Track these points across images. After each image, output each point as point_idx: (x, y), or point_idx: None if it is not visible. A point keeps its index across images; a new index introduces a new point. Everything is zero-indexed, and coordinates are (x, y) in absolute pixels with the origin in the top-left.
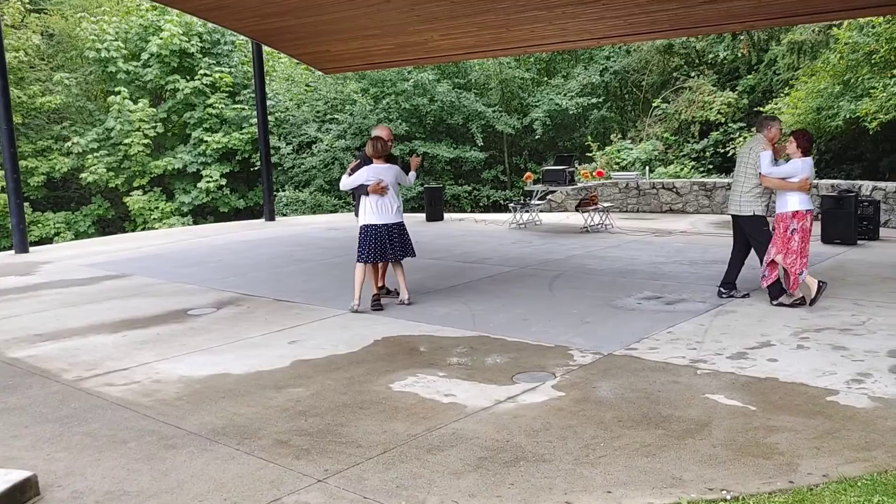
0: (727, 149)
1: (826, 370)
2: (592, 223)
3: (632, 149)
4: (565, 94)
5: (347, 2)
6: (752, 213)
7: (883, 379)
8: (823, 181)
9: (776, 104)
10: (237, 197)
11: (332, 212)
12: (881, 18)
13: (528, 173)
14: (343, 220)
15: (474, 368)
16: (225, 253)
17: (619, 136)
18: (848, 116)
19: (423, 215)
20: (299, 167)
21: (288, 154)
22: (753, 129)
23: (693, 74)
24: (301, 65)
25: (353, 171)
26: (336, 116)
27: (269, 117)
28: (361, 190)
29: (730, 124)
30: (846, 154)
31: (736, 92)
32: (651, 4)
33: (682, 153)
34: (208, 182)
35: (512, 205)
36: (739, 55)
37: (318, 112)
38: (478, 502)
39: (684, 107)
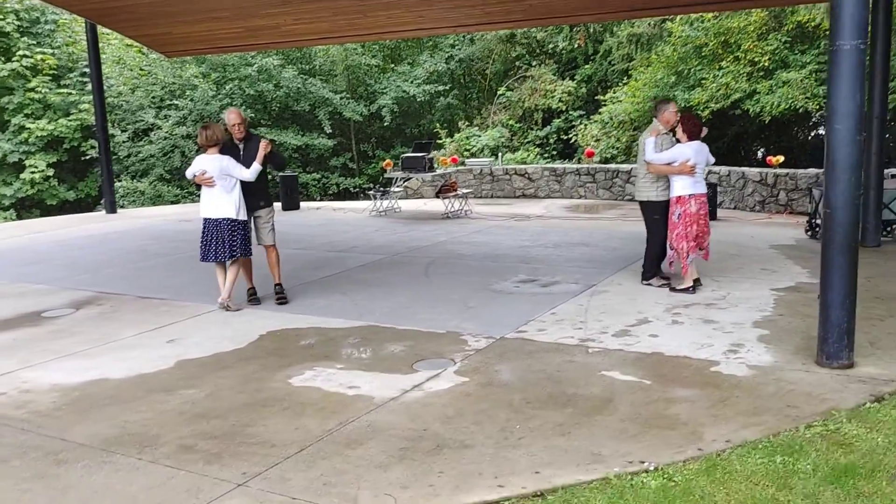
0: (570, 136)
1: (703, 343)
2: (453, 209)
3: (480, 136)
4: (412, 82)
5: None
6: (645, 199)
7: (755, 348)
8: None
9: (615, 93)
10: (66, 188)
11: (174, 202)
12: (711, 14)
13: (387, 160)
14: (193, 211)
15: (372, 359)
16: (69, 249)
17: (467, 123)
18: (683, 105)
19: (280, 204)
20: (136, 155)
21: (123, 142)
22: (592, 116)
23: (534, 64)
24: (134, 47)
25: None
26: (176, 102)
27: None
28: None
29: (570, 112)
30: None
31: (575, 81)
32: None
33: (526, 140)
34: (33, 173)
35: (372, 192)
36: (577, 46)
37: (154, 97)
38: (411, 494)
39: (527, 95)
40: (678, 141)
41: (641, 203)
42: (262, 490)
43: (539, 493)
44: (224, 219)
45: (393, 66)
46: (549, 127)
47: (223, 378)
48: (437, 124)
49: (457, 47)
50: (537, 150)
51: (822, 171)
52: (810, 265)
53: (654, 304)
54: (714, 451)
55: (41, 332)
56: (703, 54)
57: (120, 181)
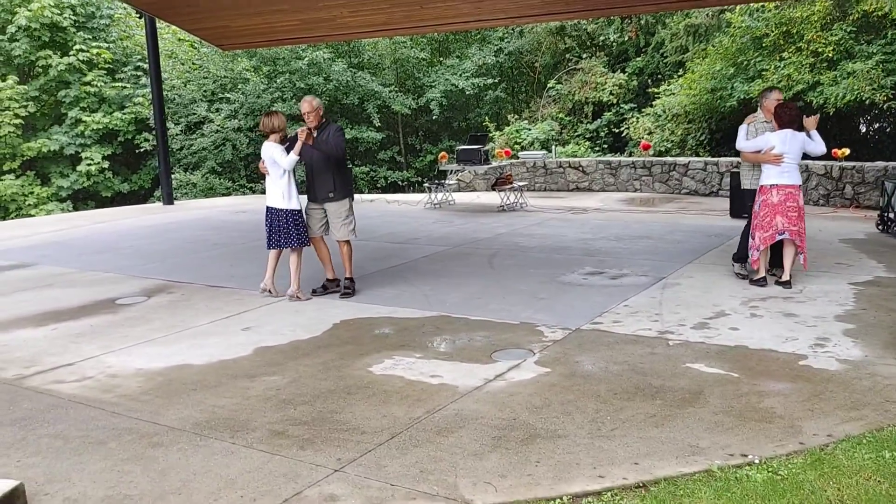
0: (620, 129)
1: (787, 336)
2: (508, 202)
3: (530, 129)
4: (461, 75)
5: None
6: (743, 187)
7: (842, 343)
8: (723, 159)
9: (669, 85)
10: (120, 180)
11: (225, 194)
12: (772, 4)
13: (442, 153)
14: (249, 202)
15: (449, 349)
16: (132, 239)
17: (516, 116)
18: (742, 97)
19: None
20: (188, 148)
21: (176, 135)
22: (644, 109)
23: (585, 56)
24: (186, 41)
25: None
26: (227, 95)
27: None
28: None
29: (622, 105)
30: (732, 134)
31: (626, 74)
32: None
33: (576, 133)
34: (89, 165)
35: (426, 184)
36: (628, 38)
37: (206, 91)
38: (510, 482)
39: (577, 88)
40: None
41: (741, 190)
42: (360, 476)
43: (641, 485)
44: (273, 207)
45: (441, 59)
46: (599, 120)
47: (303, 365)
48: (486, 118)
49: (506, 40)
50: (587, 143)
51: (891, 163)
52: (886, 259)
53: (730, 297)
54: (816, 445)
55: (117, 318)
56: (763, 45)
57: (173, 173)
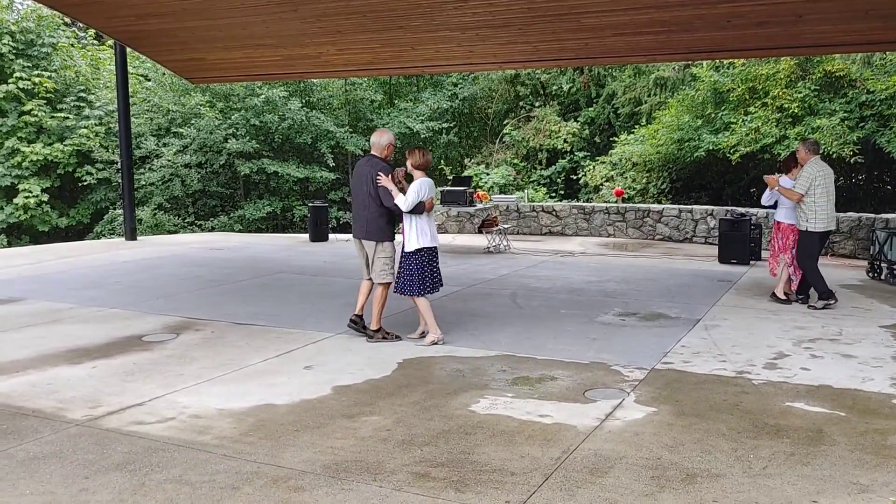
0: (578, 175)
1: (862, 377)
2: (493, 244)
3: (488, 173)
4: (415, 118)
5: (246, 8)
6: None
7: None
8: (697, 206)
9: (629, 135)
10: (57, 215)
11: (172, 231)
12: (741, 61)
13: None
14: (219, 240)
15: (537, 388)
16: (118, 274)
17: (475, 160)
18: (710, 148)
19: (307, 235)
20: (136, 183)
21: (119, 169)
22: (598, 157)
23: (538, 104)
24: (133, 74)
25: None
26: (180, 130)
27: (99, 127)
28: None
29: (575, 153)
30: (693, 183)
31: (578, 123)
32: (565, 33)
33: (531, 179)
34: (27, 198)
35: None
36: (579, 89)
37: (156, 124)
38: None
39: (532, 135)
40: None
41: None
42: None
43: None
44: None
45: (393, 101)
46: (554, 167)
47: (397, 406)
48: (442, 161)
49: (459, 86)
50: (543, 189)
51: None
52: (895, 303)
53: (777, 339)
54: None
55: (157, 356)
56: (729, 99)
57: (116, 209)
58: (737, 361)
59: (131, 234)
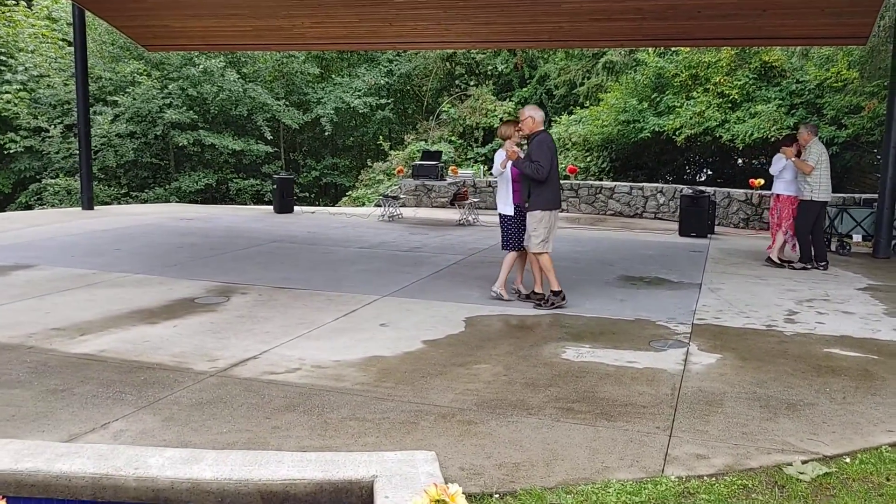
0: None
1: (871, 328)
2: (464, 217)
3: (430, 149)
4: (352, 93)
5: None
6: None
7: None
8: (648, 184)
9: (569, 117)
10: None
11: (106, 203)
12: (687, 49)
13: (399, 167)
14: (185, 210)
15: (607, 339)
16: (108, 243)
17: (413, 136)
18: (656, 129)
19: (271, 207)
20: (66, 151)
21: (49, 137)
22: None
23: (473, 84)
24: (51, 37)
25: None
26: (114, 98)
27: (24, 94)
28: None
29: None
30: (631, 163)
31: (512, 102)
32: (543, 16)
33: (468, 157)
34: None
35: (380, 199)
36: (513, 69)
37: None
38: (831, 436)
39: (468, 113)
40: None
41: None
42: (695, 440)
43: None
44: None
45: (327, 76)
46: (490, 144)
47: (496, 356)
48: (381, 137)
49: (395, 63)
50: (481, 166)
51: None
52: (855, 270)
53: (779, 298)
54: None
55: (227, 317)
56: (672, 84)
57: (52, 178)
58: (759, 317)
59: (88, 204)
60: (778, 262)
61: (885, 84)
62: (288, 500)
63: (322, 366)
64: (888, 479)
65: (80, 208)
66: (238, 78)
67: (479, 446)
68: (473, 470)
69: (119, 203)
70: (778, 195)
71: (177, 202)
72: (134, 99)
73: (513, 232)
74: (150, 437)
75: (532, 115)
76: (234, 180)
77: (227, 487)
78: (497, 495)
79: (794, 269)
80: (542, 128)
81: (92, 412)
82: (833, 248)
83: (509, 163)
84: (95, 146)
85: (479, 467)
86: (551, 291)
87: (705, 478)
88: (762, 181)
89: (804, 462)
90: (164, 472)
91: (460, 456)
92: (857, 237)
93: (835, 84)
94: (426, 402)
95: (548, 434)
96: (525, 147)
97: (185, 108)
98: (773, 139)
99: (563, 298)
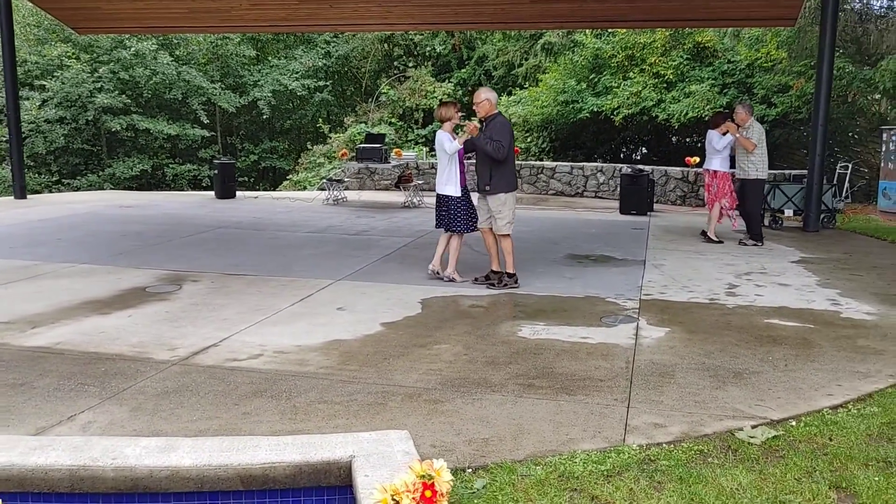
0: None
1: (806, 299)
2: (409, 199)
3: (371, 131)
4: (290, 76)
5: None
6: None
7: (849, 302)
8: (588, 164)
9: (508, 98)
10: None
11: (36, 191)
12: (623, 30)
13: (343, 150)
14: (113, 198)
15: (559, 317)
16: (48, 233)
17: (353, 118)
18: (594, 109)
19: (213, 193)
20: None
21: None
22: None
23: (412, 65)
24: None
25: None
26: (42, 83)
27: None
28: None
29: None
30: (569, 143)
31: (451, 84)
32: None
33: (408, 138)
34: None
35: (325, 182)
36: (451, 50)
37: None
38: (771, 404)
39: (407, 95)
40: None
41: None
42: (651, 410)
43: (864, 397)
44: (439, 193)
45: (265, 58)
46: (430, 126)
47: (454, 336)
48: (321, 119)
49: (332, 44)
50: (423, 148)
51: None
52: (787, 244)
53: (719, 272)
54: None
55: (181, 305)
56: (609, 65)
57: None
58: (702, 291)
59: (20, 193)
60: (716, 239)
61: (812, 64)
62: (268, 482)
63: (284, 351)
64: (831, 440)
65: (11, 197)
66: (171, 61)
67: (448, 424)
68: (444, 447)
69: (51, 191)
70: (715, 171)
71: (111, 189)
72: (63, 83)
73: (461, 213)
74: (119, 427)
75: (488, 98)
76: (171, 166)
77: (207, 473)
78: (470, 469)
79: (745, 245)
80: (497, 110)
81: (56, 405)
82: (766, 223)
83: (455, 143)
84: (23, 132)
85: (450, 444)
86: (506, 273)
87: (664, 445)
88: (697, 159)
89: (754, 427)
90: (142, 461)
91: (430, 434)
92: (788, 212)
93: (765, 64)
94: (391, 383)
95: (512, 409)
96: (480, 129)
97: (116, 92)
98: (706, 118)
99: (516, 282)
